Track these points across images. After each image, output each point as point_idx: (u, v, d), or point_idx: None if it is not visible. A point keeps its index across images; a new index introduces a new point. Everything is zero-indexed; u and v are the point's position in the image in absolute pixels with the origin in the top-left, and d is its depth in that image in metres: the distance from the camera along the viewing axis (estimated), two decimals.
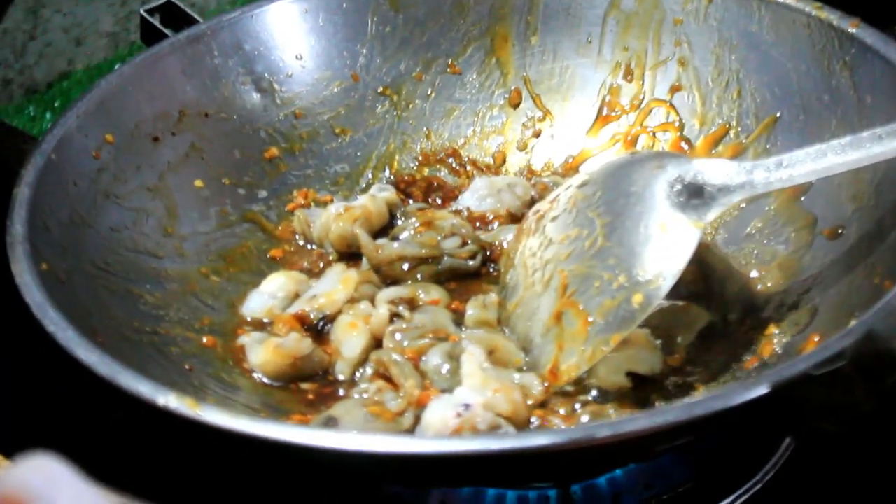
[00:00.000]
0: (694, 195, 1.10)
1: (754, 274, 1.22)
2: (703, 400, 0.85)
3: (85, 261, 1.15)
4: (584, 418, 1.07)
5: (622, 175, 1.16)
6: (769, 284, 1.20)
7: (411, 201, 1.41)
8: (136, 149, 1.29)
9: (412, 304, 1.21)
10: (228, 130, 1.39)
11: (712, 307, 1.19)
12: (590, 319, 1.08)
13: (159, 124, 1.32)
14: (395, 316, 1.19)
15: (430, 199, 1.43)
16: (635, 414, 0.93)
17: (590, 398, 1.10)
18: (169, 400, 0.90)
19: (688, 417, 0.84)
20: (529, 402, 1.08)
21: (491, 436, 0.99)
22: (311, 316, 1.20)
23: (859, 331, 0.84)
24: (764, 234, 1.26)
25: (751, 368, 1.10)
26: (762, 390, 0.84)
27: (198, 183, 1.33)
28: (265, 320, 1.23)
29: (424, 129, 1.49)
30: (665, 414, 0.84)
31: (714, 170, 1.10)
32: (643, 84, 1.44)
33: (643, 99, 1.44)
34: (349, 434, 0.93)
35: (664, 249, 1.07)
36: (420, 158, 1.48)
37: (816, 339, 1.03)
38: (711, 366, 1.13)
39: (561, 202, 1.20)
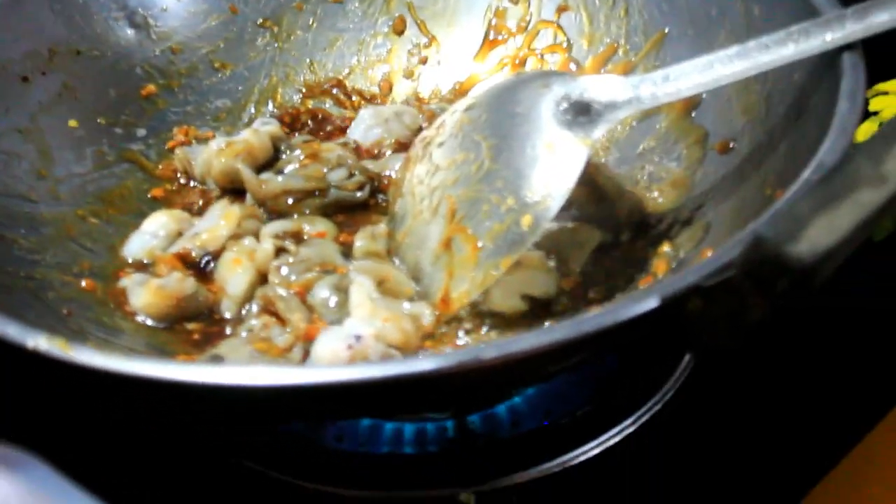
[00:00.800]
0: (580, 113, 1.07)
1: (647, 193, 1.20)
2: (592, 317, 0.82)
3: None
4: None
5: (508, 96, 1.13)
6: (662, 202, 1.18)
7: (297, 135, 1.37)
8: (4, 89, 1.23)
9: (298, 238, 1.18)
10: (102, 68, 1.34)
11: (604, 228, 1.17)
12: (479, 244, 1.06)
13: (28, 63, 1.26)
14: (280, 250, 1.15)
15: (317, 133, 1.39)
16: (523, 334, 0.91)
17: (483, 325, 1.08)
18: (39, 342, 0.85)
19: (577, 335, 0.81)
20: (420, 333, 1.06)
21: (376, 363, 0.96)
22: (194, 254, 1.16)
23: (748, 239, 0.82)
24: (656, 151, 1.24)
25: (644, 287, 1.08)
26: (652, 304, 0.82)
27: (72, 123, 1.28)
28: (146, 261, 1.19)
29: (307, 60, 1.45)
30: (553, 332, 0.81)
31: (600, 86, 1.08)
32: (529, 5, 1.41)
33: (530, 21, 1.41)
34: (229, 368, 0.89)
35: (552, 169, 1.05)
36: (304, 91, 1.44)
37: (709, 253, 1.01)
38: (606, 286, 1.11)
39: (447, 127, 1.17)
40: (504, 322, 1.08)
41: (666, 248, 1.10)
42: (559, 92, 1.09)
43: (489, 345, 0.81)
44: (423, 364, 0.80)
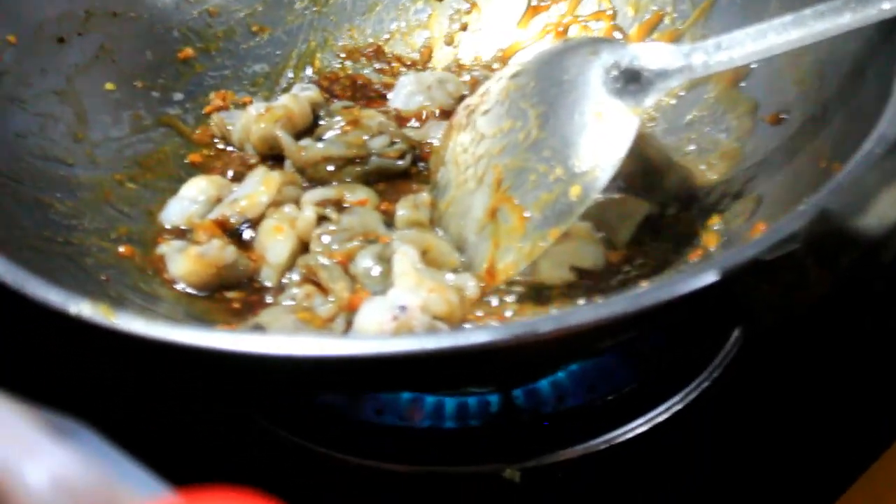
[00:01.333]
0: (630, 81, 1.04)
1: (695, 164, 1.18)
2: (649, 290, 0.80)
3: None
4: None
5: (555, 63, 1.10)
6: (711, 175, 1.15)
7: (336, 101, 1.34)
8: (40, 50, 1.21)
9: (339, 206, 1.15)
10: (139, 30, 1.32)
11: (651, 199, 1.14)
12: (526, 214, 1.03)
13: (64, 24, 1.24)
14: (322, 218, 1.13)
15: (357, 99, 1.36)
16: (579, 307, 0.89)
17: (528, 298, 1.06)
18: (82, 308, 0.83)
19: (635, 309, 0.79)
20: (465, 304, 1.04)
21: (426, 335, 0.94)
22: (232, 220, 1.14)
23: (812, 212, 0.80)
24: (704, 122, 1.21)
25: (695, 260, 1.05)
26: (711, 278, 0.79)
27: (109, 86, 1.26)
28: (185, 228, 1.17)
29: (346, 25, 1.43)
30: (611, 306, 0.79)
31: (651, 54, 1.05)
32: None
33: None
34: (274, 338, 0.87)
35: (601, 138, 1.02)
36: (343, 56, 1.41)
37: (762, 227, 0.99)
38: (653, 260, 1.09)
39: (492, 95, 1.14)
40: (550, 295, 1.06)
41: (716, 221, 1.08)
42: (608, 59, 1.06)
43: (546, 318, 0.79)
44: (478, 336, 0.78)
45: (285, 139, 1.22)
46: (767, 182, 1.08)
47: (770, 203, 1.05)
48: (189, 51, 1.34)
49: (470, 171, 1.11)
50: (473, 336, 0.78)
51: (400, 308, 0.99)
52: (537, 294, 1.06)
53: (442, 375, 0.92)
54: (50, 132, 1.17)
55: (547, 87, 1.09)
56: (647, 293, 0.80)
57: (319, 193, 1.16)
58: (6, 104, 1.14)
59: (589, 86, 1.05)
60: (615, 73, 1.05)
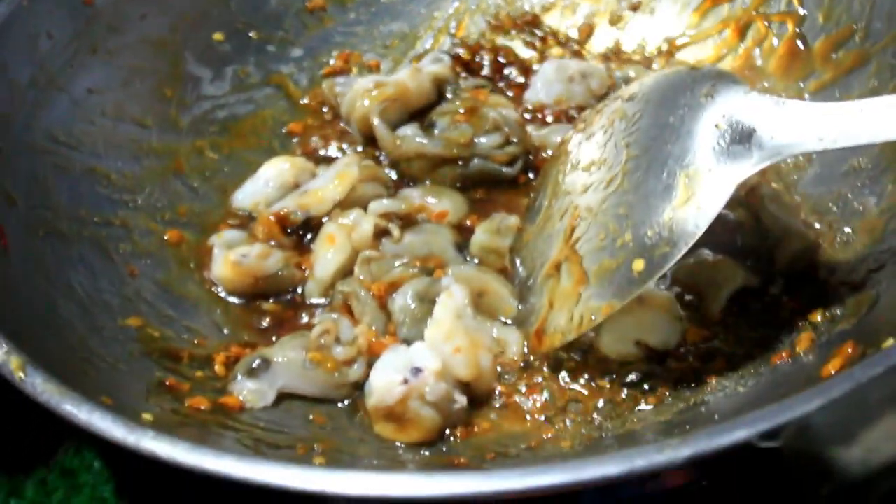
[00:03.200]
0: (739, 139, 0.88)
1: (832, 231, 0.99)
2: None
3: (37, 132, 1.00)
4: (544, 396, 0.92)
5: (668, 97, 0.95)
6: (842, 251, 0.97)
7: (469, 78, 1.20)
8: None
9: (410, 220, 1.04)
10: None
11: (752, 270, 0.97)
12: (585, 278, 0.89)
13: None
14: (383, 233, 1.02)
15: (494, 79, 1.22)
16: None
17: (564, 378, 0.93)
18: None
19: (643, 468, 0.68)
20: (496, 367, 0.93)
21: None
22: (293, 217, 1.04)
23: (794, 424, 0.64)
24: (861, 176, 1.02)
25: (778, 364, 0.89)
26: (684, 455, 0.66)
27: (217, 36, 1.17)
28: (251, 216, 1.08)
29: None
30: (620, 462, 0.67)
31: (771, 111, 0.88)
32: None
33: None
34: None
35: (681, 209, 0.87)
36: (493, 23, 1.27)
37: (850, 349, 0.81)
38: (736, 350, 0.92)
39: (604, 116, 1.00)
40: (602, 368, 0.93)
41: (818, 317, 0.91)
42: (722, 107, 0.90)
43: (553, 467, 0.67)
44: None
45: (380, 128, 1.10)
46: (891, 280, 0.89)
47: (882, 311, 0.87)
48: (321, 0, 1.23)
49: (558, 204, 0.98)
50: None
51: (414, 370, 0.87)
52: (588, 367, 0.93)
53: None
54: (134, 87, 1.10)
55: (649, 125, 0.93)
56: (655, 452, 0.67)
57: (387, 205, 1.04)
58: (86, 56, 1.07)
59: (691, 137, 0.89)
60: (725, 126, 0.88)
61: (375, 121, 1.11)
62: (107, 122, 1.06)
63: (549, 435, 0.88)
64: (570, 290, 0.91)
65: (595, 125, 1.00)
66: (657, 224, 0.87)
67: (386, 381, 0.89)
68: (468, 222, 1.06)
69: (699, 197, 0.86)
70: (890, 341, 0.77)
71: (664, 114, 0.93)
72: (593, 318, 0.89)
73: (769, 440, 0.66)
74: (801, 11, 1.15)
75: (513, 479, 0.67)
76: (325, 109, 1.19)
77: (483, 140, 1.09)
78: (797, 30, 1.15)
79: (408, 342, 0.94)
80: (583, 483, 0.68)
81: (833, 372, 0.80)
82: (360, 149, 1.14)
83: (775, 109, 0.88)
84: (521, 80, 1.21)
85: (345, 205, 1.05)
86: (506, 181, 1.10)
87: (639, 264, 0.87)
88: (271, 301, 1.01)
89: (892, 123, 0.84)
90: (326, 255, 1.01)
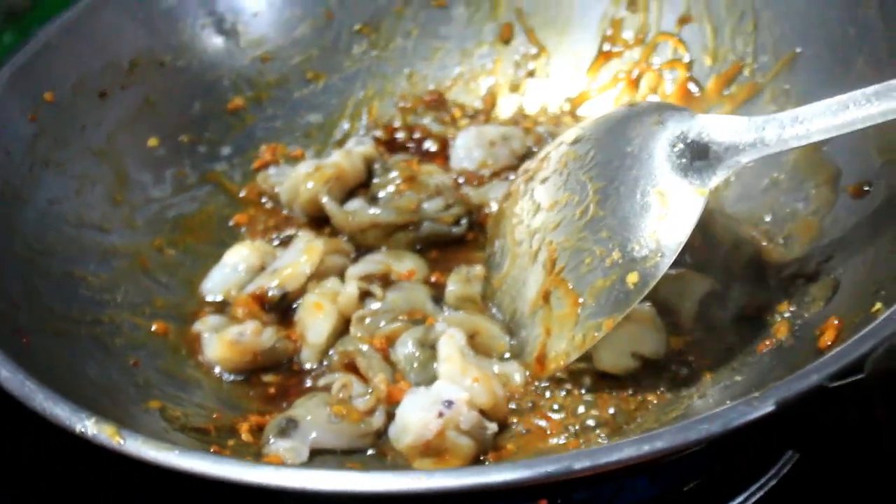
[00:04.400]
0: (697, 156, 0.96)
1: (769, 239, 1.09)
2: (701, 421, 0.73)
3: (16, 242, 1.02)
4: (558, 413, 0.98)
5: (618, 132, 1.02)
6: (785, 251, 1.07)
7: (392, 155, 1.27)
8: (79, 107, 1.16)
9: (385, 280, 1.09)
10: (187, 80, 1.26)
11: (714, 276, 1.06)
12: (580, 301, 0.96)
13: (107, 77, 1.19)
14: (365, 294, 1.07)
15: (415, 152, 1.29)
16: (619, 442, 0.80)
17: (581, 386, 0.99)
18: (87, 426, 0.78)
19: (683, 442, 0.72)
20: (508, 395, 0.98)
21: (452, 471, 0.86)
22: (270, 294, 1.08)
23: (880, 339, 0.71)
24: (782, 187, 1.12)
25: (764, 352, 0.97)
26: (768, 408, 0.72)
27: (152, 142, 1.20)
28: (224, 301, 1.11)
29: (406, 70, 1.35)
30: (655, 440, 0.72)
31: (721, 126, 0.97)
32: (648, 15, 1.29)
33: (648, 32, 1.29)
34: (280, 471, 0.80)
35: (663, 221, 0.94)
36: (401, 104, 1.34)
37: (836, 322, 0.90)
38: (719, 348, 1.00)
39: (552, 161, 1.07)
40: (606, 383, 0.99)
41: (786, 307, 1.00)
42: (675, 130, 0.98)
43: (581, 453, 0.72)
44: (505, 474, 0.71)
45: (330, 206, 1.15)
46: (845, 264, 0.99)
47: (847, 291, 0.96)
48: (239, 101, 1.28)
49: (524, 246, 1.04)
50: (500, 474, 0.72)
51: (446, 403, 0.92)
52: (592, 381, 0.99)
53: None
54: (87, 196, 1.12)
55: (608, 158, 1.01)
56: (697, 425, 0.73)
57: (363, 268, 1.10)
58: (40, 168, 1.09)
59: (653, 161, 0.97)
60: (681, 146, 0.97)
61: (325, 199, 1.16)
62: (71, 230, 1.08)
63: (582, 441, 0.95)
64: (568, 312, 0.97)
65: (544, 171, 1.07)
66: (643, 239, 0.94)
67: (420, 418, 0.93)
68: (433, 279, 1.11)
69: (676, 209, 0.94)
70: (878, 305, 0.87)
71: (620, 145, 1.01)
72: (596, 333, 0.95)
73: (848, 375, 0.73)
74: (687, 58, 1.26)
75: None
76: (263, 200, 1.23)
77: (427, 205, 1.15)
78: (688, 74, 1.26)
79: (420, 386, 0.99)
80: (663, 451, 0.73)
81: (829, 343, 0.90)
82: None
83: (722, 125, 0.97)
84: (441, 151, 1.28)
85: (316, 277, 1.09)
86: (456, 240, 1.16)
87: (633, 277, 0.94)
88: (270, 374, 1.04)
89: (828, 123, 0.94)
90: (316, 322, 1.05)
